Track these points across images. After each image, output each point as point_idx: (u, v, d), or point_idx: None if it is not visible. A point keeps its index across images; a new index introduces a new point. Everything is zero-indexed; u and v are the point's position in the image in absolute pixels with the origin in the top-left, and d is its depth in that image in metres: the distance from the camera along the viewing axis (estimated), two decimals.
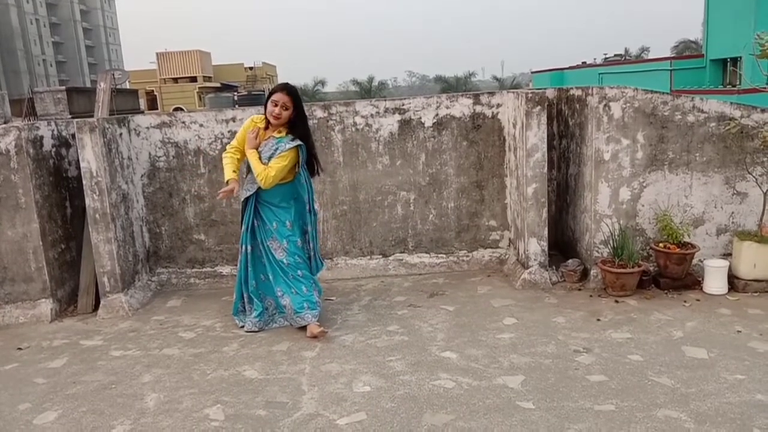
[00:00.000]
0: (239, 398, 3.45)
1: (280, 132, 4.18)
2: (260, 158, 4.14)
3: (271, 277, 4.33)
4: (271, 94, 4.17)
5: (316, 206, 4.47)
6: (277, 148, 4.12)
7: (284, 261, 4.28)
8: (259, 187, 4.20)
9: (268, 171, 4.08)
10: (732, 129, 4.69)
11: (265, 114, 4.19)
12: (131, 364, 4.00)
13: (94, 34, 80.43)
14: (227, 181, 4.22)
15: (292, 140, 4.15)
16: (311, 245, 4.42)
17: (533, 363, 3.66)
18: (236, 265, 5.54)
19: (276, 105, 4.07)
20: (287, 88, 4.15)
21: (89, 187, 4.86)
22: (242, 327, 4.44)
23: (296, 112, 4.16)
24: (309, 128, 4.35)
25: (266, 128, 4.23)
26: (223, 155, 4.36)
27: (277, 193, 4.26)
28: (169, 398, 3.51)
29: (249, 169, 4.26)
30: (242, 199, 4.37)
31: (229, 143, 5.33)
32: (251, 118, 4.34)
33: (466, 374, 3.56)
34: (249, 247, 4.36)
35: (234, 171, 4.25)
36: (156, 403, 3.47)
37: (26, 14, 65.73)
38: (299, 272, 4.31)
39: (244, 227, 4.36)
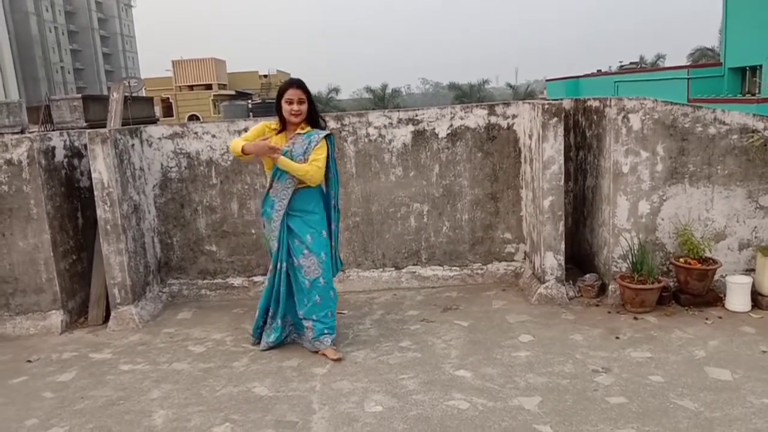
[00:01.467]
0: (248, 416, 3.38)
1: (303, 128, 3.99)
2: (286, 154, 3.91)
3: (296, 299, 4.13)
4: (281, 93, 3.97)
5: (341, 202, 4.30)
6: (309, 142, 3.92)
7: (320, 281, 4.04)
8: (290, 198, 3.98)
9: (313, 165, 3.86)
10: (755, 141, 4.56)
11: (279, 116, 4.01)
12: (140, 379, 3.95)
13: (111, 41, 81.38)
14: (242, 148, 3.91)
15: (318, 132, 3.97)
16: (332, 244, 4.20)
17: (550, 383, 3.55)
18: (247, 277, 5.52)
19: (292, 102, 3.90)
20: (297, 83, 3.96)
21: (100, 198, 4.83)
22: (256, 344, 4.32)
23: (311, 106, 3.99)
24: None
25: (281, 131, 4.03)
26: (231, 143, 4.07)
27: (310, 198, 4.04)
28: (177, 416, 3.45)
29: (271, 182, 4.03)
30: (271, 215, 4.05)
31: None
32: (263, 123, 4.15)
33: (481, 394, 3.46)
34: (284, 265, 4.07)
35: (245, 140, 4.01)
36: (164, 421, 3.40)
37: (45, 22, 66.66)
38: (330, 293, 4.12)
39: (278, 244, 4.04)
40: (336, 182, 4.14)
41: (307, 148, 3.92)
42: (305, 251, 4.02)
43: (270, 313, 4.23)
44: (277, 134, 4.03)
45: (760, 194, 4.70)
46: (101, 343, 4.63)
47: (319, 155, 3.91)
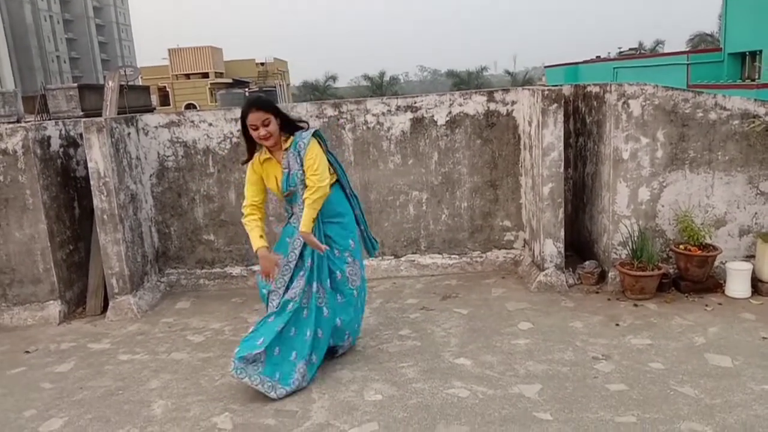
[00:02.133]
0: (248, 406, 3.37)
1: (285, 141, 3.57)
2: (288, 177, 3.55)
3: (334, 313, 3.70)
4: (243, 118, 3.52)
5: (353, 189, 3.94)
6: (299, 150, 3.52)
7: (362, 287, 3.84)
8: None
9: (313, 180, 3.47)
10: (757, 127, 4.53)
11: (249, 141, 3.60)
12: (139, 369, 3.93)
13: (106, 30, 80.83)
14: (256, 252, 3.57)
15: (301, 135, 3.57)
16: (362, 228, 3.89)
17: (550, 371, 3.54)
18: (246, 266, 5.49)
19: (257, 128, 3.45)
20: (255, 104, 3.50)
21: (97, 188, 4.80)
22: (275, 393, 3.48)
23: (280, 120, 3.53)
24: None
25: (269, 157, 3.61)
26: (244, 221, 3.72)
27: (339, 199, 3.71)
28: (176, 405, 3.44)
29: (291, 210, 3.69)
30: (289, 244, 3.65)
31: (238, 142, 5.24)
32: (250, 165, 3.67)
33: (480, 382, 3.45)
34: (320, 295, 3.63)
35: (261, 236, 3.60)
36: (163, 411, 3.39)
37: (40, 11, 66.16)
38: (363, 293, 3.94)
39: (306, 272, 3.57)
40: (342, 172, 3.77)
41: (299, 156, 3.53)
42: (349, 259, 3.71)
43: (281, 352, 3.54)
44: (264, 163, 3.62)
45: (760, 180, 4.68)
46: (99, 333, 4.61)
47: (312, 159, 3.49)
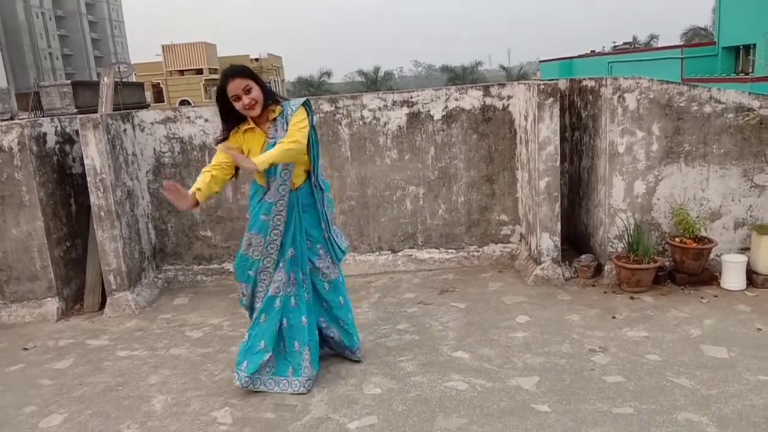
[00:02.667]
0: (247, 401, 3.38)
1: (273, 111, 3.32)
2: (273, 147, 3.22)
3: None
4: (222, 91, 3.25)
5: (324, 180, 3.56)
6: (286, 120, 3.25)
7: (339, 281, 3.62)
8: (293, 194, 3.37)
9: (293, 131, 3.18)
10: (751, 120, 4.56)
11: (227, 118, 3.33)
12: (138, 364, 3.94)
13: (99, 27, 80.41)
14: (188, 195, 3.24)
15: (290, 103, 3.33)
16: (324, 227, 3.51)
17: (548, 363, 3.57)
18: None
19: (239, 98, 3.20)
20: (234, 72, 3.22)
21: (93, 184, 4.79)
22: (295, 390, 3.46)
23: (262, 88, 3.26)
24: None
25: (250, 128, 3.33)
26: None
27: (309, 190, 3.45)
28: (176, 400, 3.45)
29: (268, 185, 3.35)
30: (267, 224, 3.37)
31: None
32: (225, 142, 3.35)
33: (479, 375, 3.48)
34: (306, 274, 3.51)
35: (202, 186, 3.26)
36: (163, 406, 3.40)
37: (32, 8, 65.77)
38: (347, 293, 3.74)
39: (294, 250, 3.42)
40: (316, 155, 3.43)
41: (286, 124, 3.26)
42: (321, 251, 3.52)
43: (288, 344, 3.51)
44: (246, 133, 3.34)
45: (755, 173, 4.71)
46: (98, 329, 4.62)
47: (299, 119, 3.24)
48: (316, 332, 3.59)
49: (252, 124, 3.32)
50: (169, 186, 3.22)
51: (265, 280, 3.46)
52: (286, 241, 3.42)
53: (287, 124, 3.25)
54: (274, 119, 3.31)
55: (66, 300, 5.04)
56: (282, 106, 3.33)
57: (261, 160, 3.14)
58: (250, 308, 3.58)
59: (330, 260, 3.56)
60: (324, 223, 3.51)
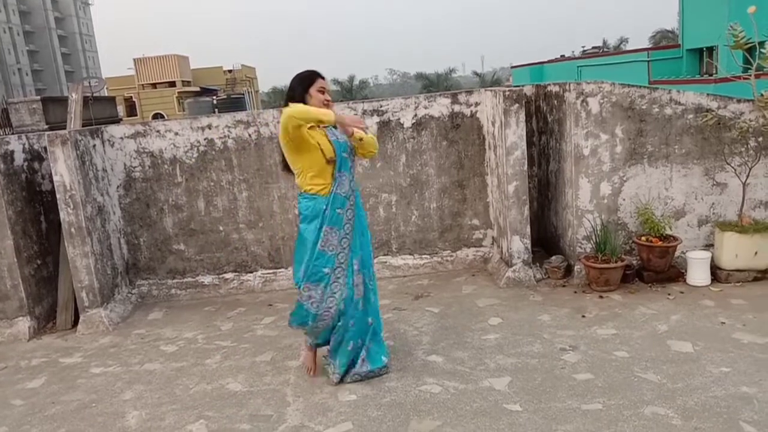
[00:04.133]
0: (223, 412, 3.39)
1: None
2: (339, 144, 3.43)
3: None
4: (310, 81, 3.41)
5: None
6: (334, 126, 3.45)
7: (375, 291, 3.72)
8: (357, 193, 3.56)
9: (372, 137, 3.54)
10: (709, 121, 4.70)
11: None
12: (112, 381, 3.92)
13: (69, 41, 79.37)
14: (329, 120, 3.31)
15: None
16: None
17: (519, 363, 3.63)
18: (218, 275, 5.49)
19: (324, 91, 3.44)
20: (321, 74, 3.49)
21: (63, 201, 4.76)
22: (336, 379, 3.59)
23: None
24: None
25: (312, 126, 3.40)
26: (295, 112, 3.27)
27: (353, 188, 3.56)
28: (151, 415, 3.44)
29: (335, 177, 3.41)
30: (341, 218, 3.44)
31: (206, 151, 5.28)
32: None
33: (452, 378, 3.53)
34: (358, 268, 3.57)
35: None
36: (138, 421, 3.39)
37: None
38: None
39: (349, 242, 3.48)
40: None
41: (336, 128, 3.47)
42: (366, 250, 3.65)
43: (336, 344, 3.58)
44: (310, 129, 3.39)
45: (716, 171, 4.85)
46: (71, 347, 4.57)
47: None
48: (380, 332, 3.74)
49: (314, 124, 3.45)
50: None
51: (340, 278, 3.45)
52: (355, 239, 3.51)
53: (336, 128, 3.45)
54: (325, 126, 3.42)
55: (38, 319, 4.98)
56: None
57: (340, 117, 3.35)
58: (315, 318, 3.46)
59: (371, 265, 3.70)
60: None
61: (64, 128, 5.73)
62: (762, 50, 4.68)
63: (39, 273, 5.07)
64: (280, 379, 3.70)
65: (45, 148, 4.96)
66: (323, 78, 3.47)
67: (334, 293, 3.44)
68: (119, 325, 4.93)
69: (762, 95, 4.64)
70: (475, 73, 56.31)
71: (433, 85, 48.60)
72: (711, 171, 4.85)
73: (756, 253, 4.56)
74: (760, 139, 4.76)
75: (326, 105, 3.41)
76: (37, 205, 5.12)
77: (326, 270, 3.40)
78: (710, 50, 21.68)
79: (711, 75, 20.65)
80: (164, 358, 4.20)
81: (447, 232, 5.57)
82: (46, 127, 17.29)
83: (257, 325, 4.65)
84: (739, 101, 4.78)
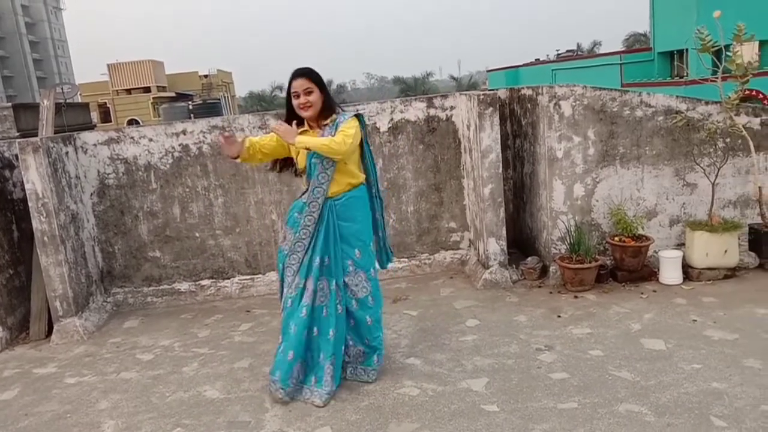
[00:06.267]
0: (200, 420, 3.36)
1: (326, 119, 3.41)
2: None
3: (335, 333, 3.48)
4: (289, 88, 3.41)
5: (382, 189, 3.75)
6: (336, 128, 3.34)
7: (369, 300, 3.54)
8: (329, 202, 3.42)
9: (339, 136, 3.26)
10: (679, 122, 4.80)
11: (288, 115, 3.46)
12: (87, 390, 3.87)
13: (41, 47, 78.04)
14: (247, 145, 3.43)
15: (345, 114, 3.44)
16: (380, 235, 3.73)
17: (496, 364, 3.67)
18: (194, 281, 5.45)
19: (298, 96, 3.33)
20: (301, 72, 3.37)
21: (35, 209, 4.69)
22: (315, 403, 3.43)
23: (324, 95, 3.40)
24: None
25: (305, 129, 3.43)
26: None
27: (358, 203, 3.51)
28: (127, 424, 3.40)
29: (308, 183, 3.43)
30: (298, 221, 3.45)
31: (180, 156, 5.25)
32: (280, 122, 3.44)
33: (430, 380, 3.55)
34: (340, 281, 3.48)
35: (252, 141, 3.49)
36: (114, 431, 3.35)
37: None
38: (380, 312, 3.67)
39: (307, 256, 3.42)
40: (373, 168, 3.62)
41: (335, 131, 3.35)
42: (351, 268, 3.49)
43: (300, 362, 3.49)
44: (301, 134, 3.39)
45: (686, 172, 4.95)
46: (45, 357, 4.50)
47: (348, 127, 3.32)
48: (342, 347, 3.54)
49: (307, 127, 3.45)
50: (225, 135, 3.42)
51: (288, 276, 3.48)
52: (316, 246, 3.42)
53: (336, 130, 3.34)
54: (326, 125, 3.42)
55: (11, 329, 4.89)
56: (337, 114, 3.45)
57: (300, 139, 3.30)
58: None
59: (362, 277, 3.51)
60: (381, 231, 3.74)
61: (36, 135, 5.65)
62: (728, 53, 4.80)
63: (11, 282, 4.98)
64: (258, 386, 3.69)
65: (16, 155, 4.89)
66: (297, 77, 3.36)
67: (285, 288, 3.53)
68: (94, 334, 4.87)
69: (729, 97, 4.76)
70: (452, 77, 56.62)
71: (410, 89, 48.79)
72: (681, 171, 4.95)
73: (726, 251, 4.66)
74: (728, 140, 4.88)
75: (302, 108, 3.36)
76: (9, 213, 5.03)
77: (281, 265, 3.56)
78: (680, 53, 22.10)
79: (682, 77, 21.06)
80: (140, 366, 4.16)
81: (425, 236, 5.60)
82: (17, 134, 16.99)
83: (235, 331, 4.63)
84: (707, 103, 4.89)
